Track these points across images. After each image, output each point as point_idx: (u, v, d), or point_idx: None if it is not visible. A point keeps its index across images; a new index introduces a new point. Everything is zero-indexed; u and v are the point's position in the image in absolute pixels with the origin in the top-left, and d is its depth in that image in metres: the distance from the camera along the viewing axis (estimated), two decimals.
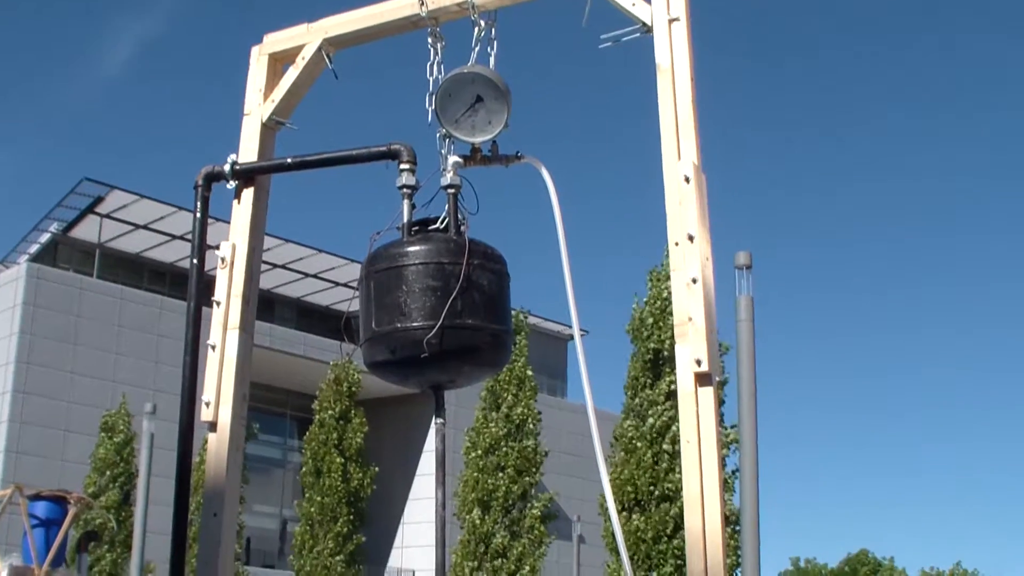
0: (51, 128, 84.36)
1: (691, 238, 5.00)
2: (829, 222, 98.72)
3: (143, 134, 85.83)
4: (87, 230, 50.63)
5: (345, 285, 55.63)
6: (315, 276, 54.87)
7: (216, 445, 5.66)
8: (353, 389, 31.11)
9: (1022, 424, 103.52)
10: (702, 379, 4.90)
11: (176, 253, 52.15)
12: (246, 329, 5.86)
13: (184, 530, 5.53)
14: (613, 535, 24.00)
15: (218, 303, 5.86)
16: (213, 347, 5.78)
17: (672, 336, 21.33)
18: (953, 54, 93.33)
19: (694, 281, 4.96)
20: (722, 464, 4.93)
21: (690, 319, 4.95)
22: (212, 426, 5.69)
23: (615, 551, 23.90)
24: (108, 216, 49.60)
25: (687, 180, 5.07)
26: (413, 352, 5.37)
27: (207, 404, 5.70)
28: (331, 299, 57.37)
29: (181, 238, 50.40)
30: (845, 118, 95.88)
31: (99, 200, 48.65)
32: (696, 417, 4.86)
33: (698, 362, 4.88)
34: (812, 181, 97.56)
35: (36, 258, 50.63)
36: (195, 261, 5.91)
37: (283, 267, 53.31)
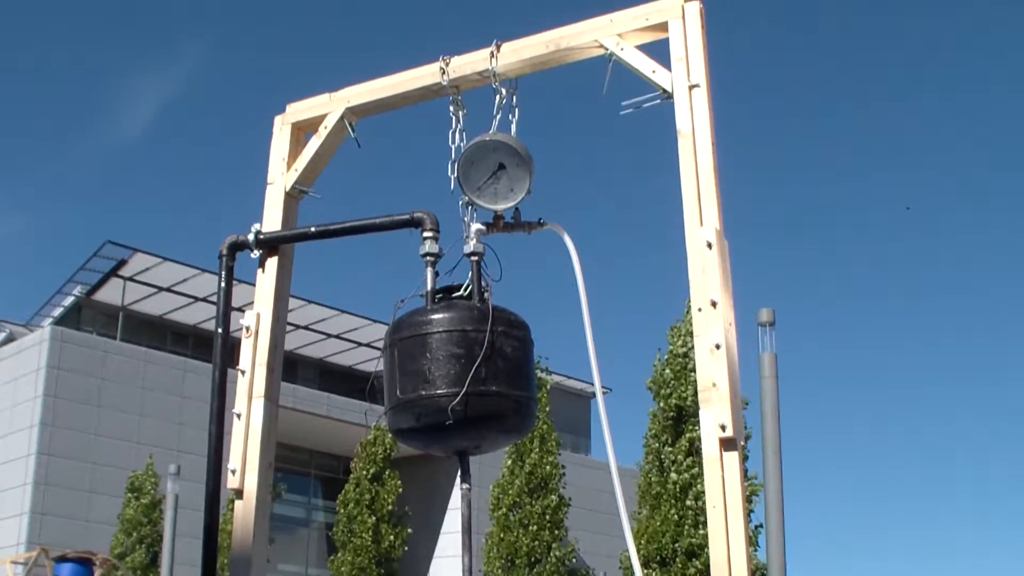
0: (74, 191, 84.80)
1: (714, 304, 5.02)
2: (852, 280, 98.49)
3: (165, 196, 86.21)
4: (111, 293, 50.86)
5: (367, 345, 55.68)
6: (337, 336, 54.97)
7: (243, 512, 5.68)
8: (389, 452, 31.17)
9: None
10: (727, 444, 4.91)
11: (199, 315, 52.32)
12: (271, 397, 5.89)
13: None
14: None
15: (243, 372, 5.90)
16: (239, 416, 5.82)
17: (693, 392, 21.31)
18: (974, 112, 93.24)
19: (717, 347, 4.98)
20: (748, 525, 4.93)
21: (714, 385, 4.96)
22: (239, 494, 5.71)
23: None
24: (131, 279, 49.83)
25: (709, 246, 5.09)
26: (438, 419, 5.39)
27: (233, 472, 5.73)
28: (353, 359, 57.44)
29: (204, 300, 50.58)
30: (865, 175, 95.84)
31: (122, 263, 48.90)
32: (722, 482, 4.87)
33: (723, 427, 4.89)
34: (837, 238, 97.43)
35: (60, 321, 50.89)
36: (220, 330, 5.95)
37: (305, 328, 53.36)
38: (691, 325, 21.02)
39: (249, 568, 5.55)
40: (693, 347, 24.85)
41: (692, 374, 24.36)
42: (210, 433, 5.83)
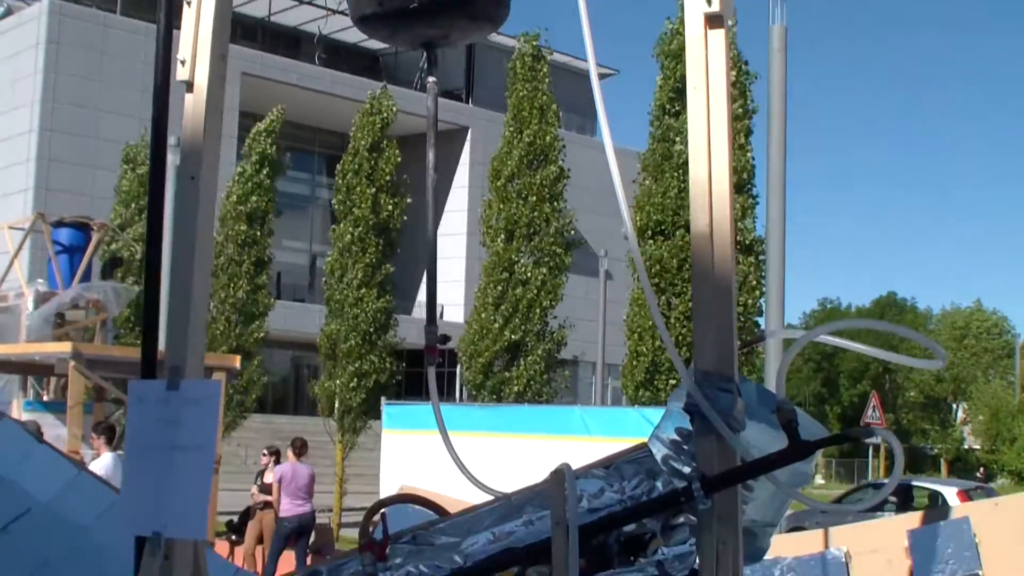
0: None
1: None
2: None
3: None
4: None
5: None
6: (341, 12, 53.96)
7: (193, 106, 5.29)
8: (387, 120, 30.61)
9: None
10: (712, 20, 4.46)
11: None
12: None
13: (161, 193, 5.23)
14: (634, 262, 23.92)
15: None
16: (188, 3, 5.37)
17: None
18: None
19: None
20: (731, 115, 4.52)
21: None
22: (189, 86, 5.31)
23: (638, 278, 23.82)
24: None
25: None
26: (403, 2, 4.95)
27: (182, 63, 5.32)
28: (358, 36, 56.59)
29: None
30: None
31: None
32: (705, 61, 4.45)
33: (708, 2, 4.44)
34: None
35: None
36: None
37: (308, 3, 52.39)
38: None
39: (200, 162, 5.18)
40: None
41: None
42: (159, 23, 5.40)
